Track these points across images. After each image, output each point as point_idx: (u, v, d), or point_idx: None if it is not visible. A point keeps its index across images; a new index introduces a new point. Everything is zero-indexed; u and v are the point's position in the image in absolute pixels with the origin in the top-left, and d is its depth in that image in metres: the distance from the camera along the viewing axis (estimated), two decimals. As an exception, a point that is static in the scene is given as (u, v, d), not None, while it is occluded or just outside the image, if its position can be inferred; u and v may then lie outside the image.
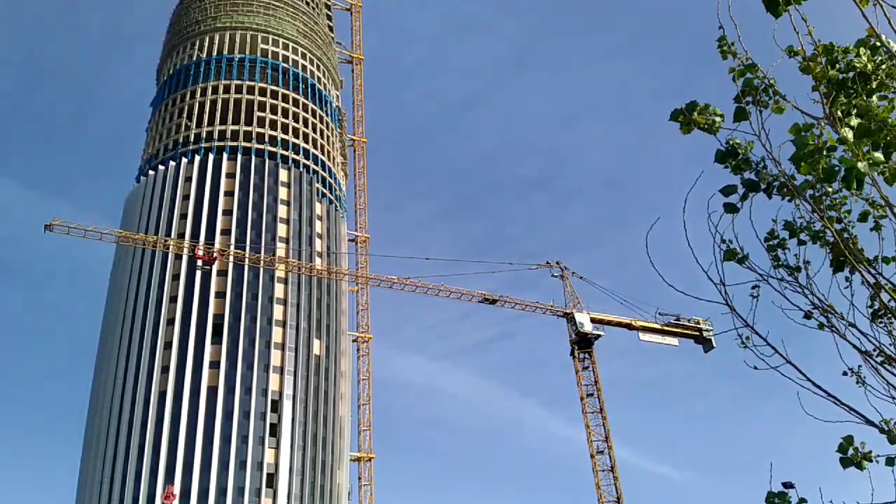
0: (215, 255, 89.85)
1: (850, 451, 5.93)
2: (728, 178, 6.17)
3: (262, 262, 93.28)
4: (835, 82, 5.82)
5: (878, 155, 5.47)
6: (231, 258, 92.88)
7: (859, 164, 5.24)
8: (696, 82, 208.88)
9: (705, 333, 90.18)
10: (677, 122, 6.01)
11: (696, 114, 5.94)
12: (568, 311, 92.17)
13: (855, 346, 6.24)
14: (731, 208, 6.09)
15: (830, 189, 5.99)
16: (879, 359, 6.19)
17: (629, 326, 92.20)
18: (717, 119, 5.98)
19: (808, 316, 6.44)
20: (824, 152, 5.43)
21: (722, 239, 6.34)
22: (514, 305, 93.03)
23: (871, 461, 5.91)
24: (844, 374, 6.69)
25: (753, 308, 6.59)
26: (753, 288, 6.67)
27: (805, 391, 6.29)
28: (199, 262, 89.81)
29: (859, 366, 6.54)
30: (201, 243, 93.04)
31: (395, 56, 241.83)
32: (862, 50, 5.88)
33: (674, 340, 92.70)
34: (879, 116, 5.63)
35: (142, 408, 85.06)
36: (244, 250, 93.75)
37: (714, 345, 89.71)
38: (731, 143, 6.06)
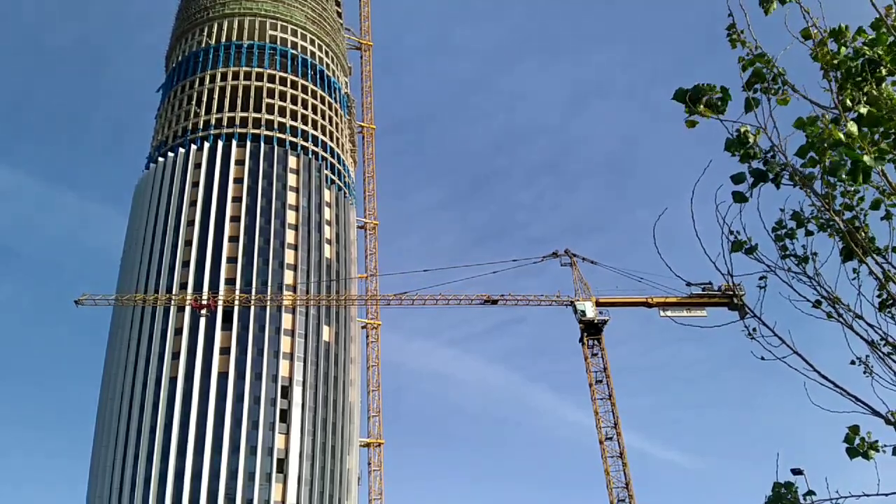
0: (210, 301, 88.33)
1: (857, 441, 5.93)
2: (736, 167, 6.12)
3: (271, 250, 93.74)
4: (843, 69, 5.74)
5: (884, 145, 5.40)
6: (241, 241, 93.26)
7: (865, 158, 5.18)
8: (702, 64, 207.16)
9: (736, 300, 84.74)
10: (681, 102, 5.91)
11: (700, 105, 5.85)
12: (572, 299, 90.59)
13: (862, 337, 6.22)
14: (740, 197, 5.98)
15: (845, 178, 5.92)
16: (886, 349, 6.17)
17: (646, 304, 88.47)
18: (720, 99, 5.85)
19: (817, 304, 6.41)
20: (828, 146, 5.37)
21: (730, 230, 6.30)
22: (516, 302, 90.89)
23: (877, 451, 5.91)
24: (852, 362, 6.67)
25: (761, 299, 6.58)
26: (761, 279, 6.64)
27: (812, 381, 6.29)
28: (203, 312, 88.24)
29: (867, 356, 6.52)
30: (209, 241, 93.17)
31: (399, 41, 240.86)
32: (864, 35, 5.79)
33: (702, 312, 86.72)
34: (894, 102, 5.54)
35: (153, 391, 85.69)
36: (254, 235, 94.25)
37: (748, 311, 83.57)
38: (741, 131, 5.99)
